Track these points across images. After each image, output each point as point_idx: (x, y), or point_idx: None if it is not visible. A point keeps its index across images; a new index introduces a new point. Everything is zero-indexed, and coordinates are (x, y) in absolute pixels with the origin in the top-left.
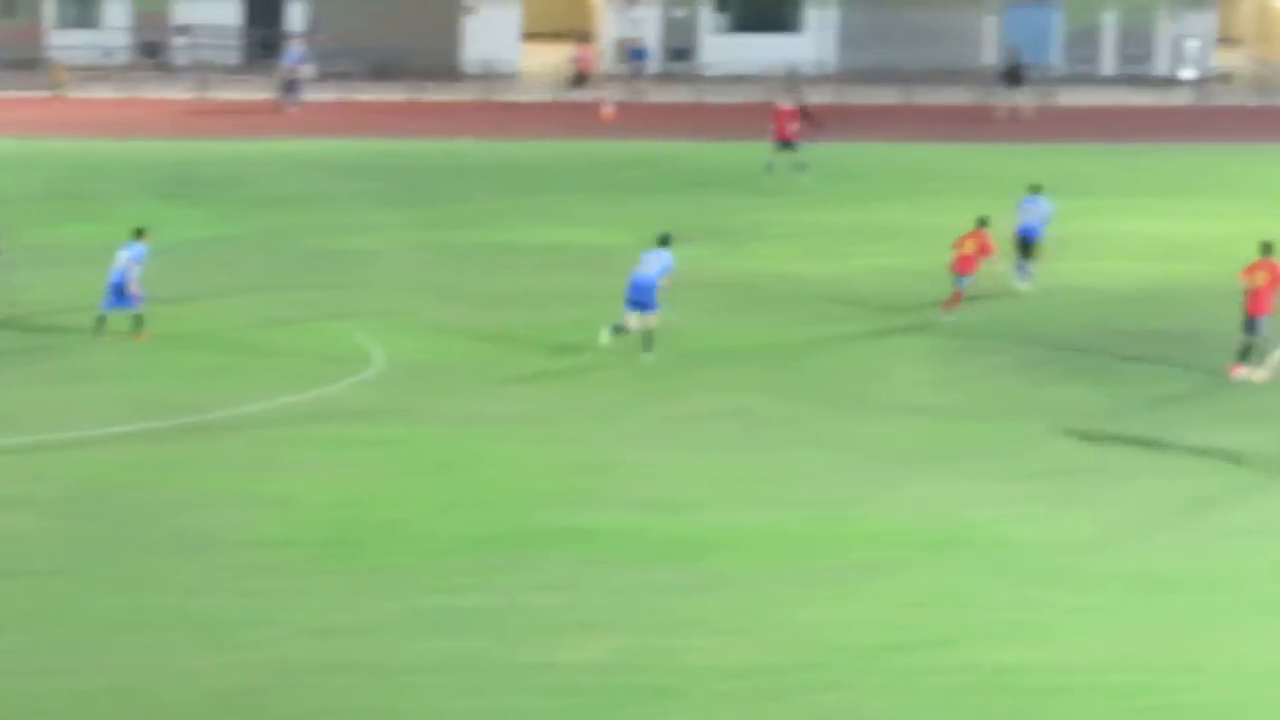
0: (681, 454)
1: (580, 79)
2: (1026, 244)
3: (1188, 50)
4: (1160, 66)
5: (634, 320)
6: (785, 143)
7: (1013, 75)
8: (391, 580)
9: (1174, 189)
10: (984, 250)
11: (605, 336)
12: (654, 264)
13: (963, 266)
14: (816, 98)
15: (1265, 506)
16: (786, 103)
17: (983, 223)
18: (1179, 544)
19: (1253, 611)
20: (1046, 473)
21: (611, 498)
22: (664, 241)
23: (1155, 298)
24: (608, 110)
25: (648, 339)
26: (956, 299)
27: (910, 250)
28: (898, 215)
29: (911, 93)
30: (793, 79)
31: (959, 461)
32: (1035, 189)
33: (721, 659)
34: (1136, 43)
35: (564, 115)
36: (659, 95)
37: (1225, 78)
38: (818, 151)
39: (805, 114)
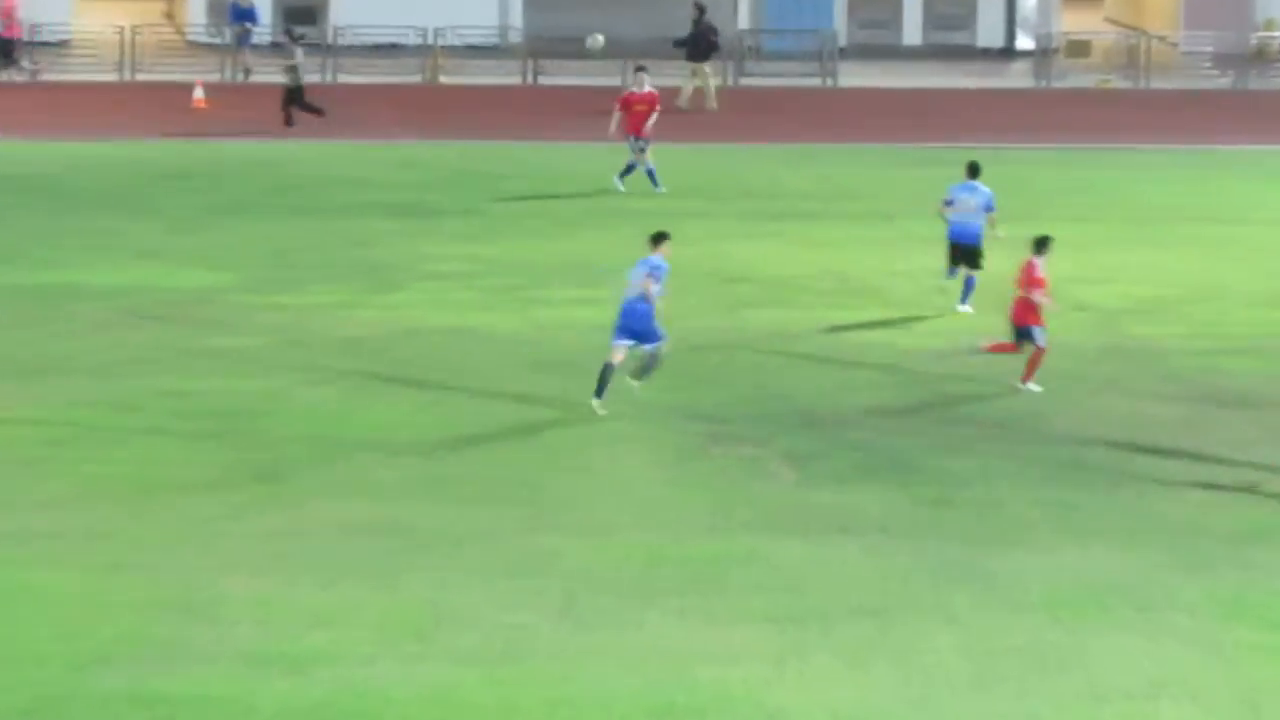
0: (305, 585)
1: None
2: (964, 250)
3: (1024, 11)
4: (986, 34)
5: (620, 354)
6: (641, 139)
7: (698, 45)
8: None
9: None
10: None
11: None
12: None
13: (1023, 316)
14: (499, 77)
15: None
16: (641, 83)
17: (1040, 246)
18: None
19: None
20: (822, 614)
21: (203, 650)
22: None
23: (975, 367)
24: (198, 96)
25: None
26: (1035, 361)
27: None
28: (594, 247)
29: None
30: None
31: (684, 595)
32: (973, 169)
33: None
34: (952, 1)
35: (139, 102)
36: (271, 73)
37: (1078, 49)
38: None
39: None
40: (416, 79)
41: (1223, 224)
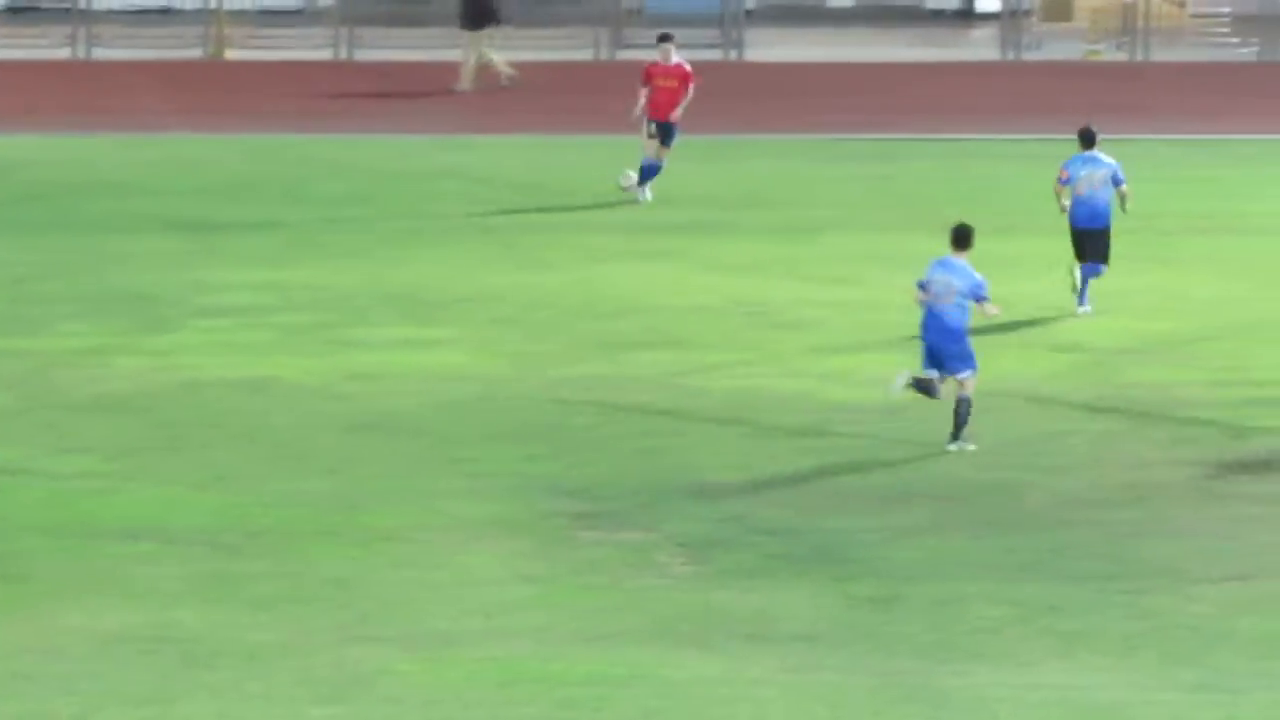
0: (57, 714)
1: None
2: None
3: None
4: None
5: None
6: (666, 126)
7: (473, 11)
8: None
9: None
10: None
11: (899, 385)
12: (952, 283)
13: None
14: (304, 50)
15: None
16: (667, 55)
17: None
18: None
19: None
20: None
21: None
22: (960, 241)
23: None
24: None
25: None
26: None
27: (474, 338)
28: (426, 270)
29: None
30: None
31: None
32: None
33: None
34: None
35: None
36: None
37: (1058, 10)
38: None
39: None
40: (196, 53)
41: (1247, 235)
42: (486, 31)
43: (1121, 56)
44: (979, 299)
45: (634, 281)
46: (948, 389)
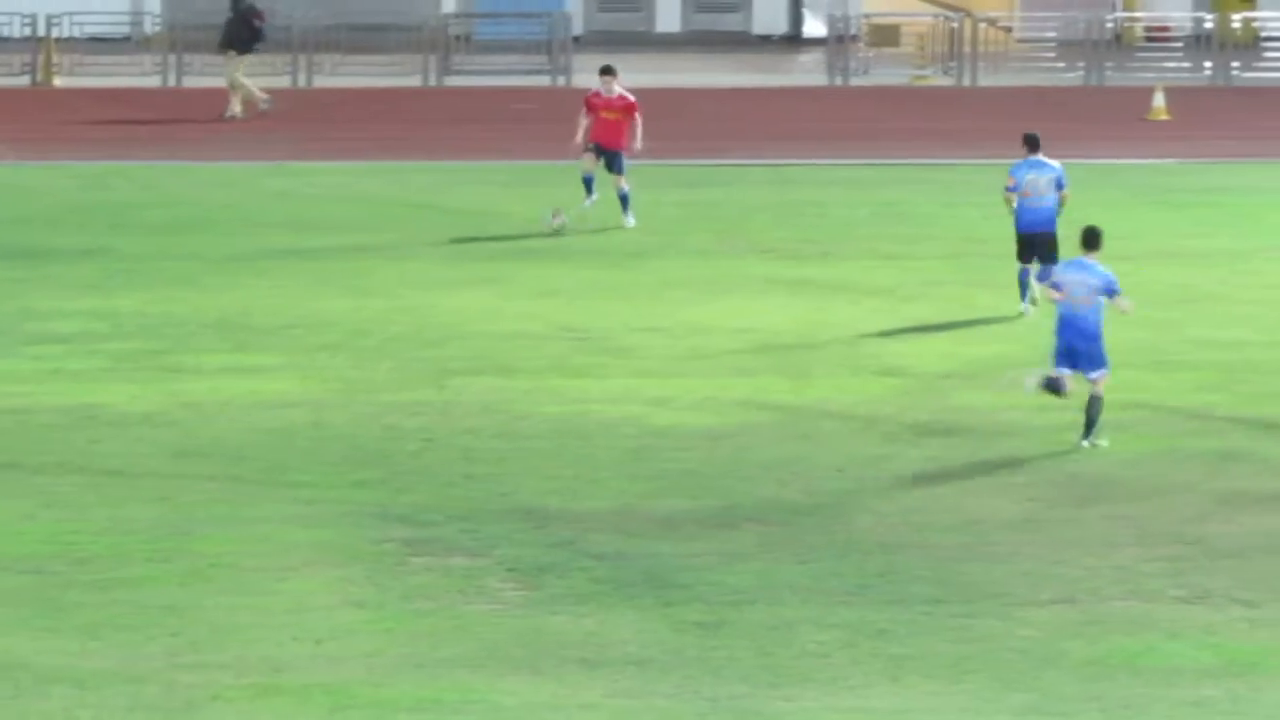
0: None
1: None
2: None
3: None
4: (765, 19)
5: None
6: (611, 154)
7: (235, 34)
8: None
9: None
10: None
11: (1031, 385)
12: (1088, 281)
13: None
14: (132, 77)
15: None
16: (609, 87)
17: None
18: None
19: None
20: None
21: None
22: (1091, 241)
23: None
24: None
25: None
26: None
27: (303, 365)
28: (257, 296)
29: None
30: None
31: None
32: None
33: None
34: None
35: None
36: None
37: (884, 36)
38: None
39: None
40: (23, 81)
41: None
42: (246, 57)
43: (948, 81)
44: (1113, 294)
45: (459, 307)
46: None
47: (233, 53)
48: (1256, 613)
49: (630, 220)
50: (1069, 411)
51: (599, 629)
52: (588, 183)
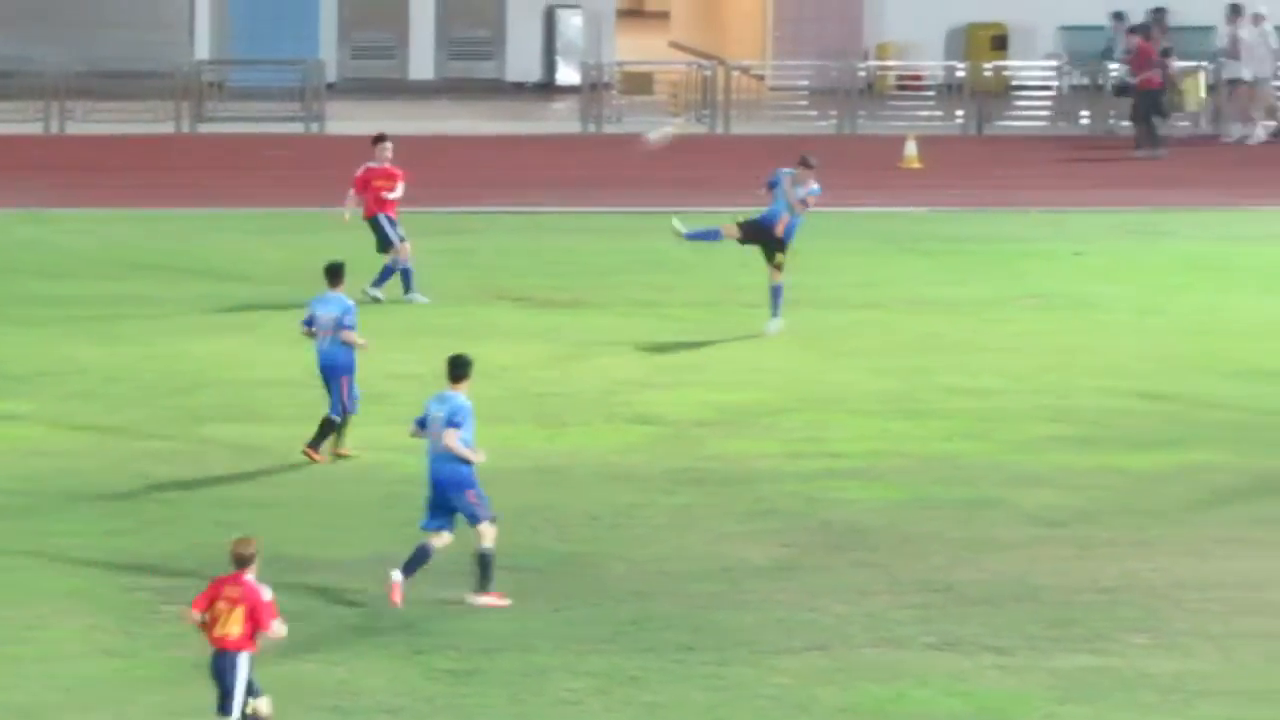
0: None
1: None
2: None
3: (568, 37)
4: (519, 66)
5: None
6: (384, 222)
7: None
8: None
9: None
10: None
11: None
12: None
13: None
14: None
15: None
16: (384, 157)
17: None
18: None
19: None
20: None
21: None
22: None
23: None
24: None
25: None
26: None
27: (54, 411)
28: (7, 342)
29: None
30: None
31: None
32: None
33: None
34: (476, 21)
35: None
36: None
37: (637, 84)
38: None
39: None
40: None
41: (818, 308)
42: None
43: (701, 129)
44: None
45: (212, 354)
46: None
47: None
48: (1006, 659)
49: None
50: (823, 459)
51: (350, 676)
52: (387, 272)
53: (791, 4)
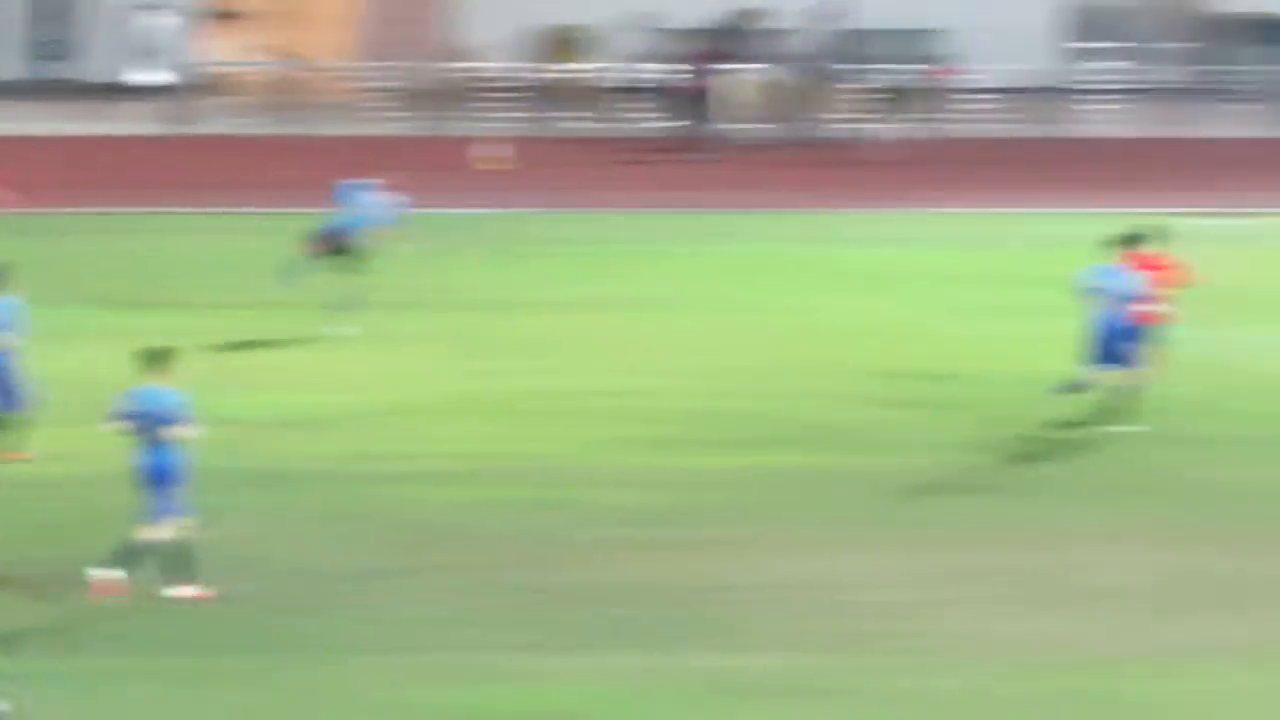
0: None
1: None
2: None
3: (149, 38)
4: (100, 66)
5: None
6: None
7: None
8: None
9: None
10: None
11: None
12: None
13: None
14: None
15: None
16: None
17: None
18: None
19: None
20: None
21: None
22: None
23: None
24: None
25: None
26: None
27: None
28: None
29: None
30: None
31: None
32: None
33: None
34: (55, 21)
35: None
36: None
37: (226, 86)
38: None
39: None
40: None
41: (412, 311)
42: None
43: (277, 129)
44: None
45: None
46: None
47: None
48: (583, 660)
49: None
50: (413, 460)
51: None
52: None
53: (380, 5)
